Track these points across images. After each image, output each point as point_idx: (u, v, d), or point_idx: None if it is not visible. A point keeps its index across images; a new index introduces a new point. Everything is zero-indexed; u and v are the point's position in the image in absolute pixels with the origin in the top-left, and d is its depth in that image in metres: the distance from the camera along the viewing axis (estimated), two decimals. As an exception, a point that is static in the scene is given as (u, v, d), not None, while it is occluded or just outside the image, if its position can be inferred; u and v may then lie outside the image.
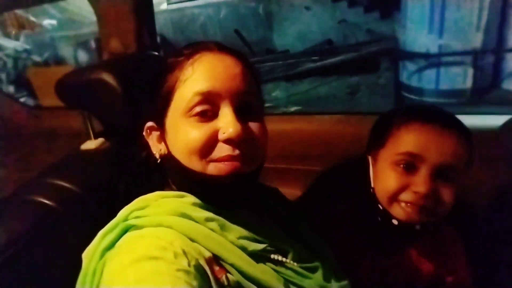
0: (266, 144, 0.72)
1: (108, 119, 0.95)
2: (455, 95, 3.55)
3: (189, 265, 0.59)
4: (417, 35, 3.70)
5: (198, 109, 0.66)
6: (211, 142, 0.66)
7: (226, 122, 0.66)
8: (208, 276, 0.62)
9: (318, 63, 4.60)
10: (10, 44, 4.84)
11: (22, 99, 3.63)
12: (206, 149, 0.66)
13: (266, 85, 4.62)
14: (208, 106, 0.67)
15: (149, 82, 0.75)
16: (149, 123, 0.74)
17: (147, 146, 0.75)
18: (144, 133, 0.75)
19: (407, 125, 0.80)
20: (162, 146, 0.73)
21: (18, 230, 0.74)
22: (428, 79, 3.70)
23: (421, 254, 0.90)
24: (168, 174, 0.75)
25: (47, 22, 5.23)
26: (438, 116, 0.80)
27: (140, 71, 0.88)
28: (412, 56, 3.78)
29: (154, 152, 0.74)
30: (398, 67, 4.04)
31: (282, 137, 1.48)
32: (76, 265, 0.69)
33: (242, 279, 0.65)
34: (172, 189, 0.74)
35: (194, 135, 0.66)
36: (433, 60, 3.63)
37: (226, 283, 0.63)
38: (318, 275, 0.75)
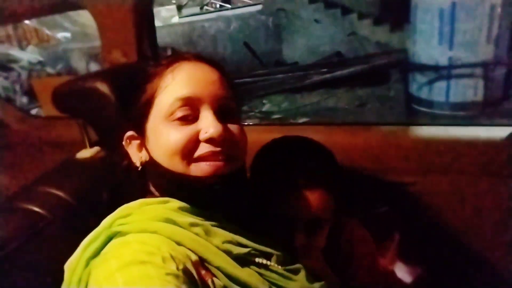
0: (246, 146, 0.74)
1: (102, 127, 0.96)
2: (466, 107, 3.51)
3: (177, 269, 0.59)
4: (427, 47, 3.68)
5: (179, 113, 0.68)
6: (192, 143, 0.67)
7: (207, 123, 0.68)
8: (195, 280, 0.62)
9: (328, 75, 4.60)
10: (25, 56, 4.95)
11: (34, 110, 3.70)
12: (187, 149, 0.67)
13: (275, 97, 4.63)
14: (189, 110, 0.69)
15: (131, 91, 0.76)
16: (129, 133, 0.75)
17: (127, 155, 0.76)
18: (123, 143, 0.76)
19: (276, 187, 0.80)
20: (143, 154, 0.74)
21: (5, 237, 0.74)
22: (438, 92, 3.66)
23: None
24: (151, 180, 0.76)
25: (61, 35, 5.35)
26: (304, 172, 0.79)
27: (133, 80, 0.88)
28: (422, 68, 3.75)
29: (135, 161, 0.75)
30: (408, 79, 4.01)
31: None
32: (61, 274, 0.69)
33: (229, 282, 0.65)
34: (154, 196, 0.74)
35: (175, 136, 0.68)
36: (443, 72, 3.59)
37: (212, 286, 0.63)
38: (301, 276, 0.76)
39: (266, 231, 0.79)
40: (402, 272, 1.04)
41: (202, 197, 0.71)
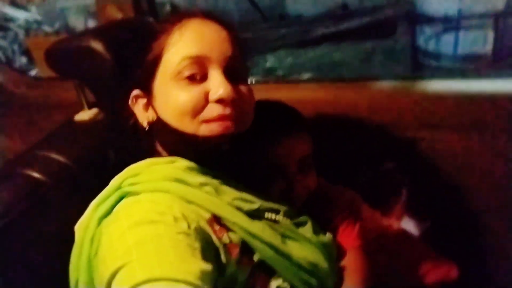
0: (253, 107, 0.74)
1: (98, 88, 0.92)
2: (474, 59, 3.41)
3: (189, 227, 0.59)
4: (436, -3, 3.53)
5: (187, 72, 0.67)
6: (201, 103, 0.67)
7: (216, 83, 0.67)
8: (210, 237, 0.63)
9: (333, 29, 4.48)
10: (21, 15, 4.82)
11: (35, 70, 3.64)
12: (197, 110, 0.67)
13: (279, 52, 4.52)
14: (197, 69, 0.68)
15: (135, 49, 0.75)
16: (135, 92, 0.75)
17: (134, 115, 0.75)
18: (130, 102, 0.75)
19: (270, 139, 0.88)
20: (150, 113, 0.74)
21: (7, 204, 0.73)
22: (446, 44, 3.55)
23: None
24: (158, 140, 0.76)
25: (57, -9, 5.18)
26: (289, 122, 0.89)
27: (132, 37, 0.85)
28: (430, 19, 3.62)
29: (141, 121, 0.74)
30: (415, 31, 3.89)
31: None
32: (66, 238, 0.68)
33: (246, 235, 0.67)
34: (162, 156, 0.75)
35: (184, 97, 0.67)
36: (451, 23, 3.47)
37: (228, 241, 0.65)
38: (308, 227, 0.79)
39: (265, 184, 0.83)
40: (409, 226, 1.04)
41: (210, 157, 0.72)
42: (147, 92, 0.73)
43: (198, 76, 0.68)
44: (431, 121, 1.15)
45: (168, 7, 4.43)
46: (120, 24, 1.07)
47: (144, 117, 0.74)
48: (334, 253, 0.82)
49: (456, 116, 1.13)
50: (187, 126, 0.68)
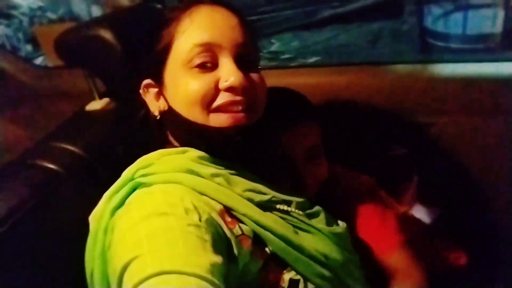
0: (265, 96, 0.73)
1: (108, 77, 0.92)
2: (483, 40, 3.35)
3: (200, 219, 0.59)
4: (444, -25, 3.46)
5: (198, 60, 0.67)
6: (212, 92, 0.66)
7: (227, 71, 0.66)
8: (222, 229, 0.63)
9: (339, 10, 4.41)
10: (24, 2, 4.80)
11: (40, 58, 3.63)
12: (207, 98, 0.66)
13: (284, 35, 4.47)
14: (208, 57, 0.67)
15: (145, 37, 0.74)
16: (146, 81, 0.74)
17: (144, 105, 0.75)
18: (140, 91, 0.74)
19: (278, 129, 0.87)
20: (161, 103, 0.73)
21: (22, 196, 0.73)
22: (454, 24, 3.49)
23: None
24: (169, 130, 0.75)
25: (60, -23, 5.13)
26: (294, 113, 0.88)
27: (141, 25, 0.84)
28: (438, -2, 3.56)
29: (153, 110, 0.74)
30: (422, 11, 3.82)
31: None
32: (82, 229, 0.69)
33: (257, 227, 0.67)
34: (173, 146, 0.74)
35: (195, 86, 0.66)
36: (460, 2, 3.40)
37: (240, 232, 0.65)
38: (321, 218, 0.78)
39: (276, 175, 0.81)
40: (420, 214, 1.04)
41: (222, 148, 0.71)
42: (158, 81, 0.72)
43: (209, 64, 0.67)
44: (442, 106, 1.14)
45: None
46: (128, 12, 1.06)
47: (155, 106, 0.73)
48: (349, 242, 0.81)
49: (466, 100, 1.12)
50: (197, 115, 0.67)
